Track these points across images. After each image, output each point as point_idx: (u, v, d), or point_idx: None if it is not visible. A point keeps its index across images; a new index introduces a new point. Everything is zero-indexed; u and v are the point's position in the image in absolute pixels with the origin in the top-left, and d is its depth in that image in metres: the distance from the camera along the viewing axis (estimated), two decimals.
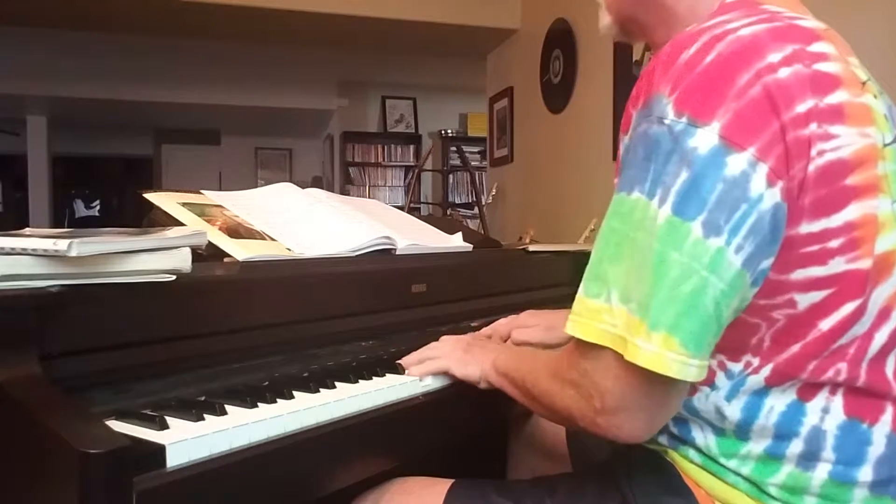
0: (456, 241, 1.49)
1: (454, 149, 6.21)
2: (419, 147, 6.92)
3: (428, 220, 1.57)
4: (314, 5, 3.37)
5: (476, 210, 5.06)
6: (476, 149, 6.29)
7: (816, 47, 0.65)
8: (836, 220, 0.63)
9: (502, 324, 1.16)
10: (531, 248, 1.72)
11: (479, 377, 0.90)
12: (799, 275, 0.63)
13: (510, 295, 1.43)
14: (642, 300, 0.61)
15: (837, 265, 0.63)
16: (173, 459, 0.63)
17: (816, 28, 0.69)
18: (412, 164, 6.86)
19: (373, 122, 6.99)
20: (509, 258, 1.68)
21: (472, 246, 1.51)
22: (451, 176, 6.45)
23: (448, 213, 5.85)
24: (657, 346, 0.60)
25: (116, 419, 0.69)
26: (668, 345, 0.60)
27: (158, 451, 0.62)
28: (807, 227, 0.62)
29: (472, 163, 6.01)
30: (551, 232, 2.95)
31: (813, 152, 0.61)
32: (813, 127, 0.61)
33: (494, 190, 3.86)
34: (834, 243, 0.63)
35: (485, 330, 1.16)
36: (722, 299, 0.60)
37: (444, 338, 1.00)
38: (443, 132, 6.42)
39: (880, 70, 1.63)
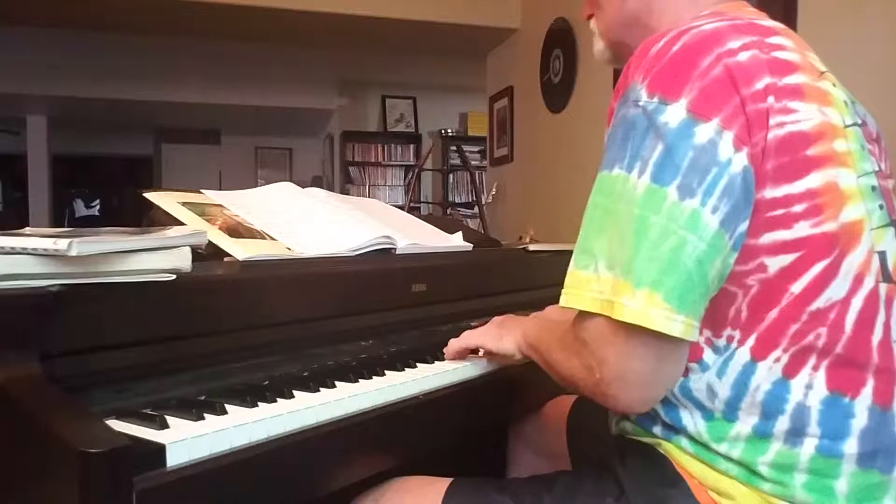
0: (456, 241, 1.49)
1: (454, 148, 6.21)
2: (419, 146, 6.91)
3: (428, 219, 1.57)
4: (314, 5, 3.37)
5: (476, 210, 5.06)
6: (476, 148, 6.29)
7: (774, 40, 0.73)
8: (798, 186, 0.68)
9: None
10: (531, 247, 1.72)
11: (514, 349, 0.92)
12: (767, 238, 0.68)
13: (510, 294, 1.43)
14: (626, 263, 0.65)
15: (802, 229, 0.68)
16: (173, 459, 0.63)
17: (775, 26, 0.77)
18: (412, 163, 6.86)
19: (373, 121, 6.99)
20: (509, 258, 1.68)
21: (472, 245, 1.50)
22: (451, 175, 6.45)
23: (448, 212, 5.86)
24: (641, 303, 0.64)
25: (116, 419, 0.69)
26: (651, 300, 0.63)
27: (158, 450, 0.62)
28: (771, 192, 0.67)
29: (472, 162, 6.02)
30: (551, 231, 2.94)
31: (772, 122, 0.67)
32: (771, 100, 0.68)
33: (494, 189, 3.86)
34: (797, 208, 0.68)
35: None
36: (704, 258, 0.65)
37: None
38: (443, 132, 6.42)
39: (880, 71, 1.64)
